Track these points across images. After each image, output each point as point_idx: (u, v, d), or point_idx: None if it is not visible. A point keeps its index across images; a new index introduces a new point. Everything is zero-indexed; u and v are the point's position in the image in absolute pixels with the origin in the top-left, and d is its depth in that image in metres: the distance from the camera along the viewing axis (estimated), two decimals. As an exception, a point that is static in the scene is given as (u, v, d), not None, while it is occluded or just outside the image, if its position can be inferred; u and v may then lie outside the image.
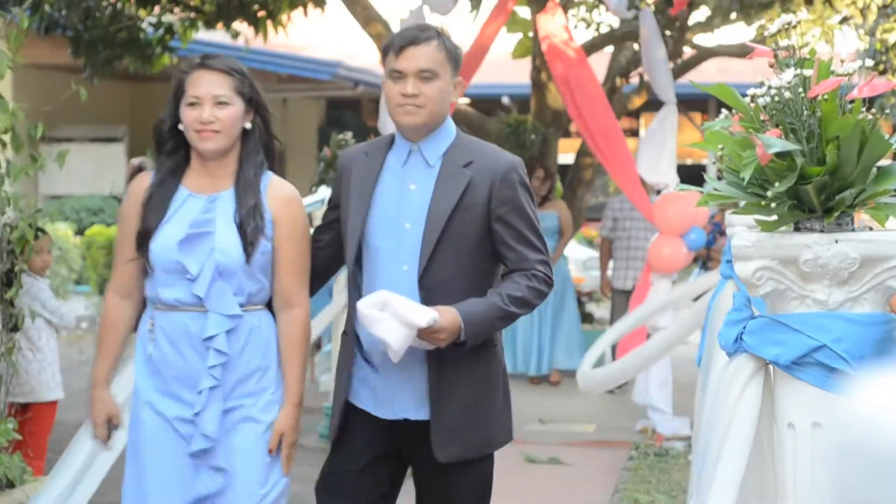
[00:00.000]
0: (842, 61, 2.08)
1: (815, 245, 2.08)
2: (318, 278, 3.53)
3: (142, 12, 9.98)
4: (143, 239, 3.34)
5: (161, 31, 10.20)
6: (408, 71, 3.26)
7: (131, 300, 3.42)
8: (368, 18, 9.82)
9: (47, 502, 4.25)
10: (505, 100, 15.50)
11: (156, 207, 3.37)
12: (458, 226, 3.25)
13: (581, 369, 6.90)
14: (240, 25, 10.20)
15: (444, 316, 3.15)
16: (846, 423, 1.27)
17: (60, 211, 14.27)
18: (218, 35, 11.45)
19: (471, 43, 8.21)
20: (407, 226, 3.28)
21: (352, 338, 3.37)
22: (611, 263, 9.53)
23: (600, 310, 11.83)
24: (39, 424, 5.68)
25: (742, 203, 2.20)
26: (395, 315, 3.09)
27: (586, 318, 10.49)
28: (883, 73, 8.71)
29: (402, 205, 3.30)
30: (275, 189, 3.41)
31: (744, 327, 2.17)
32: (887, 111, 9.46)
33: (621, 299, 9.04)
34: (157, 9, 10.06)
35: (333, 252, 3.48)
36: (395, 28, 9.01)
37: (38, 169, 5.03)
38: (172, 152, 3.42)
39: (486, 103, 14.97)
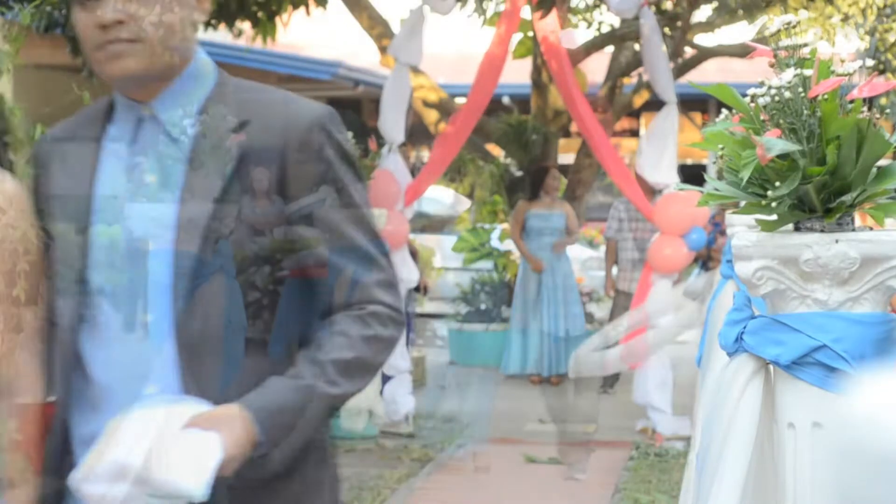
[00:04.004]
0: (842, 61, 2.08)
1: (815, 245, 2.08)
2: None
3: (142, 12, 9.98)
4: None
5: (161, 30, 10.22)
6: None
7: None
8: (369, 19, 9.82)
9: None
10: (505, 100, 15.51)
11: None
12: (231, 236, 1.90)
13: (578, 351, 6.97)
14: (240, 25, 10.22)
15: (226, 432, 1.77)
16: (846, 423, 1.27)
17: (60, 211, 14.26)
18: (218, 35, 11.45)
19: (472, 44, 8.21)
20: (149, 246, 1.93)
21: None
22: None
23: (600, 310, 11.83)
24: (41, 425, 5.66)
25: (742, 203, 2.20)
26: (148, 485, 1.72)
27: (586, 318, 10.51)
28: (882, 72, 8.72)
29: (136, 211, 1.95)
30: None
31: (744, 327, 2.17)
32: (887, 111, 9.48)
33: (624, 301, 9.04)
34: (157, 9, 10.07)
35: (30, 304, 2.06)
36: (396, 29, 9.01)
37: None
38: None
39: (486, 103, 14.96)
